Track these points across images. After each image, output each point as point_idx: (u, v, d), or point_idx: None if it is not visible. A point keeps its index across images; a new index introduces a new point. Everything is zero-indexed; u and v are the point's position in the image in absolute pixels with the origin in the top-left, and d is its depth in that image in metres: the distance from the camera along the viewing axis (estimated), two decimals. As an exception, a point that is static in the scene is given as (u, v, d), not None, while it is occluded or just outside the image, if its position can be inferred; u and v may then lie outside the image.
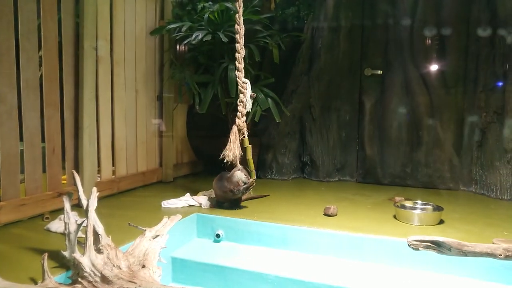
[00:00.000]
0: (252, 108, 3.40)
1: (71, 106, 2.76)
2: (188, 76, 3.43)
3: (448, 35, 3.54)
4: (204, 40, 3.20)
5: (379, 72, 3.77)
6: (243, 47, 2.68)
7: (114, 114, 3.13)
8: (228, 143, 2.64)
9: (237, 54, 2.66)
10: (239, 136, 2.69)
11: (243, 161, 2.74)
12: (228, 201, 2.77)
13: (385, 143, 3.78)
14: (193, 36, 3.23)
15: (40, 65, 2.55)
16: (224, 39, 3.20)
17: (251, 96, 2.71)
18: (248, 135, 3.78)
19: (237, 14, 2.67)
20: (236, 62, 2.69)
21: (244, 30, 2.68)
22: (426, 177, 3.65)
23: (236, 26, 2.68)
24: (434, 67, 3.60)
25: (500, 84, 3.24)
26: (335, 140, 3.92)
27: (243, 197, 2.85)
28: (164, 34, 3.59)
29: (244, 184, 2.66)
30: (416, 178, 3.68)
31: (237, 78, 2.71)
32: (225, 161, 2.63)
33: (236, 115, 2.73)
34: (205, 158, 4.30)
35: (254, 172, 2.73)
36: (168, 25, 3.44)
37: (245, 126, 2.72)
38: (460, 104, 3.53)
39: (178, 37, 3.40)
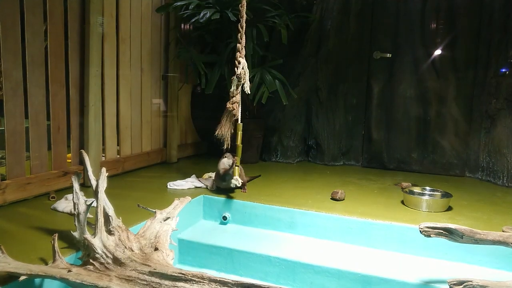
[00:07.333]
0: (259, 89, 3.35)
1: (76, 83, 2.70)
2: (194, 56, 3.36)
3: (460, 19, 3.47)
4: (212, 19, 3.12)
5: (388, 55, 3.70)
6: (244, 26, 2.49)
7: (119, 92, 3.08)
8: (220, 122, 2.50)
9: (238, 34, 2.49)
10: (230, 118, 2.49)
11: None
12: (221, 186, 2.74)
13: (392, 127, 3.75)
14: (201, 14, 3.14)
15: (45, 39, 2.48)
16: (233, 18, 3.11)
17: (237, 77, 2.43)
18: (251, 118, 3.74)
19: None
20: (238, 42, 2.48)
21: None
22: (432, 163, 3.63)
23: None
24: (444, 52, 3.53)
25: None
26: (341, 124, 3.88)
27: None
28: (170, 11, 3.50)
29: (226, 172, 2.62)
30: (422, 164, 3.67)
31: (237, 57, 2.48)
32: (217, 138, 2.48)
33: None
34: (209, 139, 4.26)
35: (239, 159, 2.57)
36: (174, 2, 3.34)
37: (235, 108, 2.47)
38: (470, 89, 3.48)
39: (185, 15, 3.31)
